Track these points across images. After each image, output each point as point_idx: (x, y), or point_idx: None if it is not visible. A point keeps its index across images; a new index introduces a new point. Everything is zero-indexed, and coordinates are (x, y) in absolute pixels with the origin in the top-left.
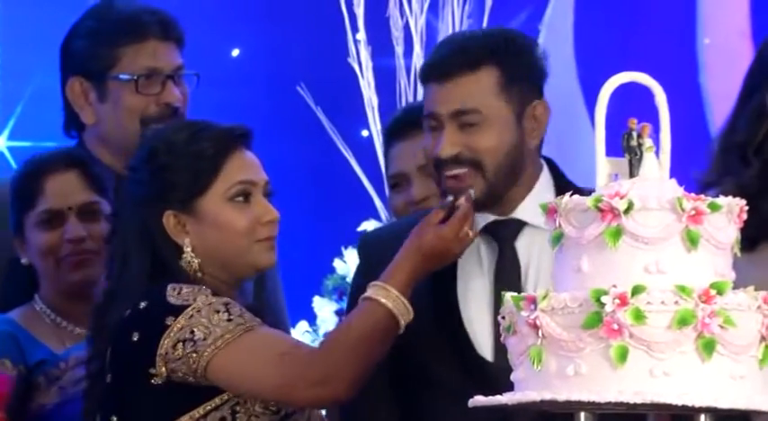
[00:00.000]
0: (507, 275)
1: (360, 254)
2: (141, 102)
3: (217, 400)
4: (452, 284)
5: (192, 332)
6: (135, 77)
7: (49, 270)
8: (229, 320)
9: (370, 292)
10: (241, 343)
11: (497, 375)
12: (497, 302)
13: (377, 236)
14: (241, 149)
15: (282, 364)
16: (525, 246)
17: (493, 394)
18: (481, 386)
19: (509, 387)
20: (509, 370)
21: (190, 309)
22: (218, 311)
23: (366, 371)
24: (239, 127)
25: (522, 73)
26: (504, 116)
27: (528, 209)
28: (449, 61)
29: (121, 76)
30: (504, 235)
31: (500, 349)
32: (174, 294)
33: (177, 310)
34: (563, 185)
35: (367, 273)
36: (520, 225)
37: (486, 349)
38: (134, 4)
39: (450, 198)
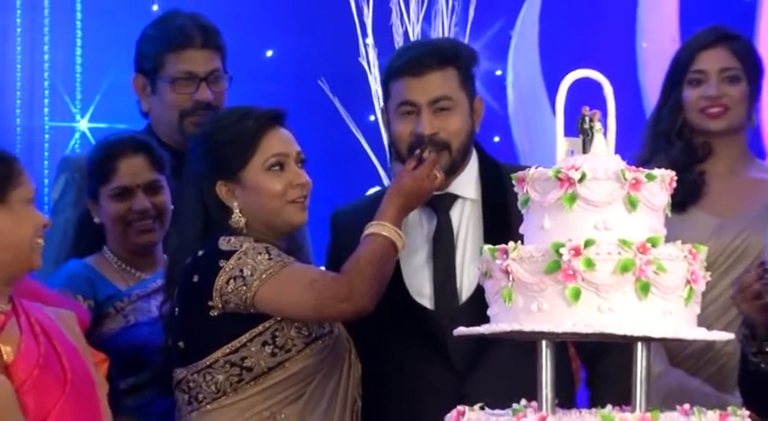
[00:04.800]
0: (443, 239)
1: (330, 229)
2: (178, 99)
3: (260, 327)
4: None
5: (241, 270)
6: (171, 80)
7: (118, 232)
8: (270, 259)
9: (369, 230)
10: (280, 276)
11: (436, 319)
12: (436, 260)
13: (345, 212)
14: (276, 127)
15: (314, 289)
16: (457, 215)
17: (437, 336)
18: (425, 329)
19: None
20: (445, 314)
21: (238, 252)
22: (260, 253)
23: (380, 287)
24: (274, 109)
25: (470, 74)
26: (464, 105)
27: (460, 185)
28: (424, 60)
29: (163, 78)
30: (441, 206)
31: (438, 298)
32: (224, 243)
33: (228, 255)
34: (487, 162)
35: (336, 246)
36: (453, 198)
37: (427, 300)
38: (185, 16)
39: (418, 151)
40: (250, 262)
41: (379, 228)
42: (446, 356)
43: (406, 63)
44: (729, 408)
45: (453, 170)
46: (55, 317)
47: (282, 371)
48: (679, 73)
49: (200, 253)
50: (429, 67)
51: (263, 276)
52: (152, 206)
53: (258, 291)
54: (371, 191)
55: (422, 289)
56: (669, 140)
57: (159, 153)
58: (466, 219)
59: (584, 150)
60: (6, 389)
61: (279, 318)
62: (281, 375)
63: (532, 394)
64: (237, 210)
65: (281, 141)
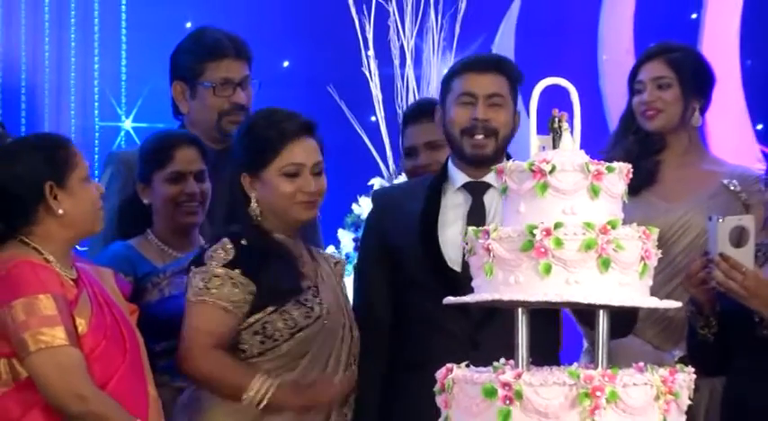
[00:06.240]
0: (475, 217)
1: (373, 202)
2: (218, 101)
3: (252, 319)
4: (434, 225)
5: (190, 280)
6: (213, 85)
7: (168, 212)
8: (200, 288)
9: (257, 379)
10: (191, 307)
11: (463, 281)
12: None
13: (387, 192)
14: (299, 137)
15: (188, 338)
16: (489, 200)
17: (460, 294)
18: (452, 288)
19: (471, 289)
20: (469, 276)
21: (203, 268)
22: (203, 279)
23: (213, 382)
24: (305, 122)
25: (516, 88)
26: (510, 108)
27: (493, 176)
28: (485, 63)
29: (205, 84)
30: (476, 191)
31: (466, 263)
32: (213, 253)
33: (200, 263)
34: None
35: (377, 217)
36: (488, 186)
37: (456, 264)
38: (218, 31)
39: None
40: (197, 277)
41: (260, 381)
42: (466, 309)
43: (470, 62)
44: (678, 365)
45: (496, 157)
46: (98, 276)
47: (272, 353)
48: (630, 84)
49: (207, 245)
50: (489, 69)
51: (189, 295)
52: (199, 192)
53: (187, 302)
54: (372, 181)
55: (453, 256)
56: (625, 136)
57: (206, 147)
58: (496, 204)
59: (554, 146)
60: (79, 358)
61: (269, 312)
62: (270, 355)
63: (534, 347)
64: (255, 201)
65: (301, 152)
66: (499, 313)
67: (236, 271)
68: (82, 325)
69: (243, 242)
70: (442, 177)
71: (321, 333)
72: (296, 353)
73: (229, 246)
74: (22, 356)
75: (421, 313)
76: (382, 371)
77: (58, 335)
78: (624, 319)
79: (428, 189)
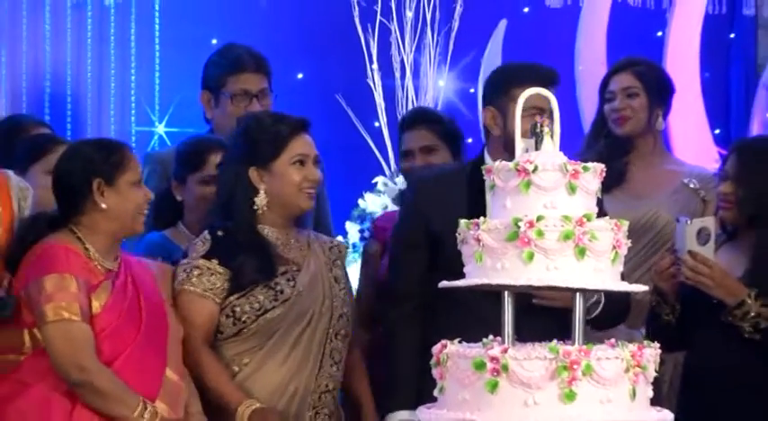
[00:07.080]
0: None
1: (414, 185)
2: (236, 110)
3: (225, 302)
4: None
5: (176, 272)
6: (232, 95)
7: (199, 209)
8: (182, 279)
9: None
10: (177, 297)
11: None
12: None
13: (427, 178)
14: (302, 133)
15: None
16: None
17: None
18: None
19: None
20: None
21: (185, 261)
22: (184, 270)
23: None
24: (303, 119)
25: None
26: None
27: None
28: (550, 76)
29: (225, 93)
30: None
31: None
32: (194, 245)
33: (185, 254)
34: None
35: (419, 201)
36: None
37: None
38: (243, 47)
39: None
40: (180, 268)
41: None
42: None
43: (538, 78)
44: (645, 342)
45: None
46: (157, 270)
47: (244, 333)
48: (601, 93)
49: (202, 233)
50: (552, 83)
51: (176, 285)
52: None
53: (175, 291)
54: (376, 179)
55: None
56: (597, 140)
57: None
58: None
59: (536, 148)
60: (87, 334)
61: (237, 296)
62: (244, 335)
63: (566, 335)
64: (263, 192)
65: (305, 144)
66: (538, 313)
67: (214, 261)
68: (96, 307)
69: (219, 233)
70: (481, 171)
71: (290, 313)
72: (265, 333)
73: (207, 237)
74: (39, 325)
75: (458, 301)
76: (417, 342)
77: (74, 310)
78: (620, 309)
79: (469, 184)
